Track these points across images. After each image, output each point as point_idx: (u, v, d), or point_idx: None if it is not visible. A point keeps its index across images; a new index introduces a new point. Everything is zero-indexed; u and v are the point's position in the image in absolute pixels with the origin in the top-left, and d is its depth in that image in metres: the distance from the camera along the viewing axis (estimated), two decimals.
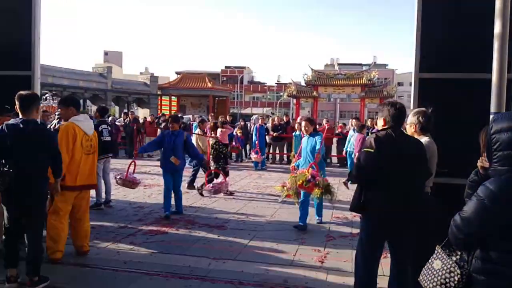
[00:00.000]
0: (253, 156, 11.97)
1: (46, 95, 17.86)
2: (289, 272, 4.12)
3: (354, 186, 3.25)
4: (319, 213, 6.15)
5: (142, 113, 36.09)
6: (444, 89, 3.99)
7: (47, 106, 14.15)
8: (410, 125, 3.49)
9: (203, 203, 7.33)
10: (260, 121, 13.90)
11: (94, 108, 39.91)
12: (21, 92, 3.79)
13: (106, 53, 67.73)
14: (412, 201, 2.94)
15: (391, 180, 2.91)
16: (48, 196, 4.01)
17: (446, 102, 3.82)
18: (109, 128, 7.18)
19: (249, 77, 59.66)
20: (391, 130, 3.00)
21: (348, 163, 10.64)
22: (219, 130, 8.50)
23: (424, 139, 3.31)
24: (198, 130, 9.58)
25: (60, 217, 4.21)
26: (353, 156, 10.32)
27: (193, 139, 9.20)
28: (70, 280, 3.82)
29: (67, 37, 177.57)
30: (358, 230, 5.81)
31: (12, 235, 3.54)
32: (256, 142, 12.43)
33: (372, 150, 2.89)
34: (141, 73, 50.76)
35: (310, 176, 5.28)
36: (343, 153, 11.07)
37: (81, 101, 35.56)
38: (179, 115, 18.94)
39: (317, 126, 10.76)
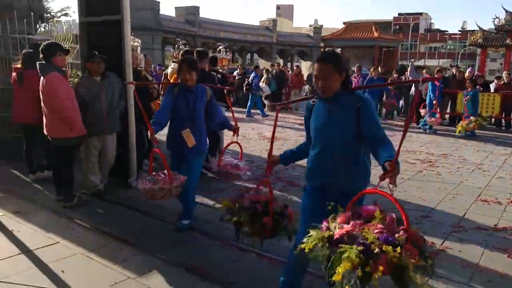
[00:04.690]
0: (429, 119, 9.36)
1: (179, 42, 19.73)
2: None
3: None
4: None
5: (305, 66, 35.88)
6: None
7: (176, 54, 14.72)
8: None
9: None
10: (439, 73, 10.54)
11: (260, 61, 41.85)
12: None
13: (278, 7, 69.48)
14: None
15: None
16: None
17: None
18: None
19: (427, 24, 52.04)
20: None
21: None
22: None
23: None
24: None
25: None
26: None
27: None
28: None
29: None
30: (508, 223, 4.07)
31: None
32: (434, 101, 9.57)
33: None
34: (310, 26, 50.16)
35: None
36: None
37: (248, 54, 37.52)
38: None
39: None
